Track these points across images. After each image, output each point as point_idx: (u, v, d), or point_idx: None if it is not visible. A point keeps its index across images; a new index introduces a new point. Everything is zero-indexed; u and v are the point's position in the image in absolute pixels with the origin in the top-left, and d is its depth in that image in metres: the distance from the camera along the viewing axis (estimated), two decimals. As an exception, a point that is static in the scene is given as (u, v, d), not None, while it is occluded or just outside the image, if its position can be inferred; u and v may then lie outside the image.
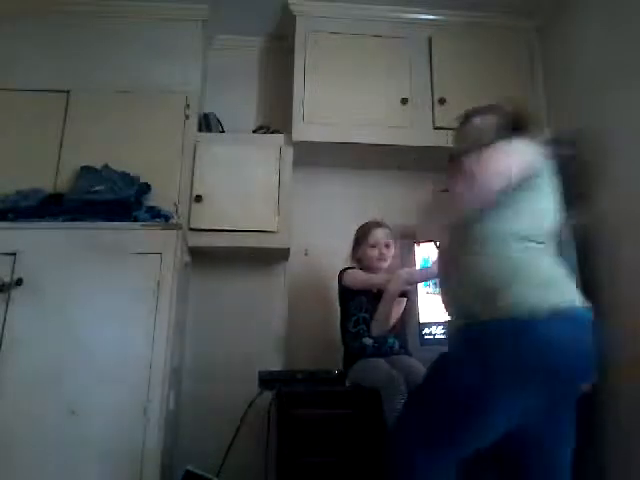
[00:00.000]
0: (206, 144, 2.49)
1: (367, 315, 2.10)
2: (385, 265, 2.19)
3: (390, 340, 2.09)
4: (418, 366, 1.93)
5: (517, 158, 1.34)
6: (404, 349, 2.12)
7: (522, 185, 1.32)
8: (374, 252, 2.17)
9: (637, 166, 2.06)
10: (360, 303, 2.13)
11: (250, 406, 2.25)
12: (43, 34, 2.52)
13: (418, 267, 2.26)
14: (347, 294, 2.17)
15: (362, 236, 2.22)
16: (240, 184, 2.43)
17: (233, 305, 2.52)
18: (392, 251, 2.20)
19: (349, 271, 2.19)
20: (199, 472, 2.08)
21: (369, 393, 1.87)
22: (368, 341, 2.07)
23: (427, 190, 2.64)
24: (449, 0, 2.67)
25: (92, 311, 1.98)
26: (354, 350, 2.08)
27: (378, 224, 2.22)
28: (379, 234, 2.19)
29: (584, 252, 2.16)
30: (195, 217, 2.37)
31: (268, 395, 2.16)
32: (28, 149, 2.34)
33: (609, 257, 2.16)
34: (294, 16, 2.66)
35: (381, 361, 1.97)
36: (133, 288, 2.02)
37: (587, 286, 1.63)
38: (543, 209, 1.37)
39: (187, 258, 2.33)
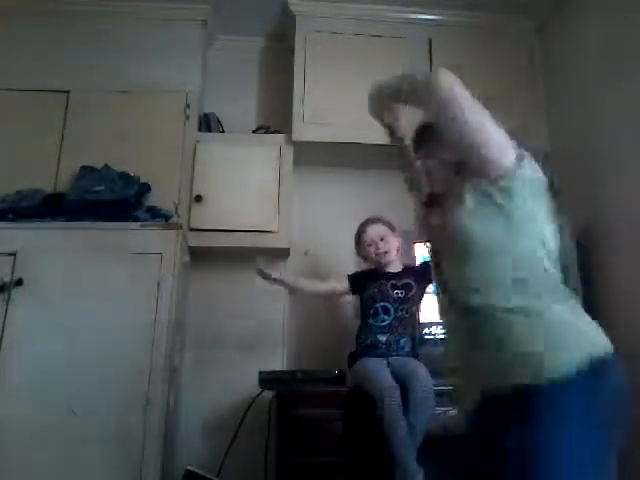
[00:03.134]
0: (206, 144, 2.49)
1: (387, 303, 2.09)
2: (389, 257, 2.17)
3: (402, 340, 2.07)
4: (422, 372, 1.91)
5: None
6: (413, 351, 2.09)
7: None
8: (371, 251, 2.18)
9: (636, 166, 2.06)
10: (378, 290, 2.13)
11: (250, 406, 2.25)
12: (43, 34, 2.52)
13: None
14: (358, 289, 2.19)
15: (357, 238, 2.24)
16: (240, 184, 2.43)
17: (233, 305, 2.52)
18: (391, 242, 2.19)
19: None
20: (199, 472, 2.07)
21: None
22: (383, 338, 2.05)
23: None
24: (449, 0, 2.67)
25: (92, 311, 1.98)
26: (363, 344, 2.07)
27: (367, 222, 2.23)
28: (370, 233, 2.20)
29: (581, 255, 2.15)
30: (195, 217, 2.37)
31: (268, 395, 2.17)
32: (28, 149, 2.34)
33: (606, 258, 2.16)
34: (294, 16, 2.66)
35: (382, 367, 1.95)
36: (133, 288, 2.03)
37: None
38: None
39: (187, 258, 2.33)
